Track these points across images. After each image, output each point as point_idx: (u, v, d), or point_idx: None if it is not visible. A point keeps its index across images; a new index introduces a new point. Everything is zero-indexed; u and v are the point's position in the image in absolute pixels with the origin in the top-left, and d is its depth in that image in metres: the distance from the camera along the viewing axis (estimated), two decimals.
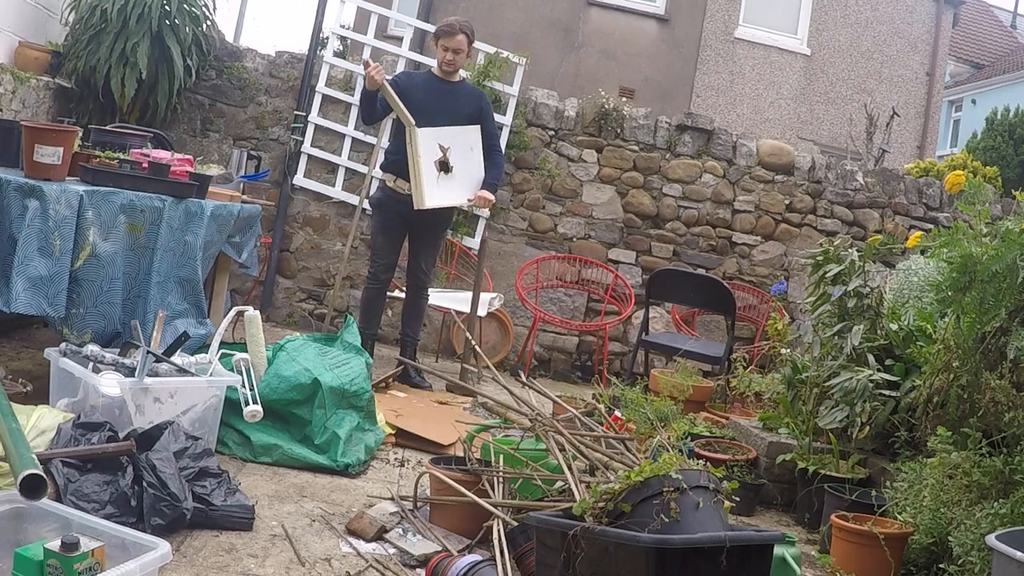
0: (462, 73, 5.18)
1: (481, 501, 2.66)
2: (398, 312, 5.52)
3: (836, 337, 3.72)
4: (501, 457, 2.94)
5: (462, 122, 4.88)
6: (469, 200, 4.91)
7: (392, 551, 2.63)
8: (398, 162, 4.80)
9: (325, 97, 6.58)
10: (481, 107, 4.97)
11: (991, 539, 2.19)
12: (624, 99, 7.53)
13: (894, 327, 3.69)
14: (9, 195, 3.11)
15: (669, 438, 3.20)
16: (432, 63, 6.57)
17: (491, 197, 4.94)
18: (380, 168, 4.95)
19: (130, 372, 2.98)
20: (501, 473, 2.83)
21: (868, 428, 3.40)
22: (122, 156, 3.72)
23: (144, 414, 2.89)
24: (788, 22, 12.94)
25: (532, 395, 3.14)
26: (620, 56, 11.91)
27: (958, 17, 14.42)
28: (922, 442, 3.19)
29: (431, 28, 7.43)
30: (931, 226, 6.60)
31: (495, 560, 2.40)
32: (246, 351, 3.42)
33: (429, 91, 4.81)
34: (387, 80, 4.64)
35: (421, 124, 4.72)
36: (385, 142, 5.12)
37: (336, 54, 7.85)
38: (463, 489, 2.73)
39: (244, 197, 4.59)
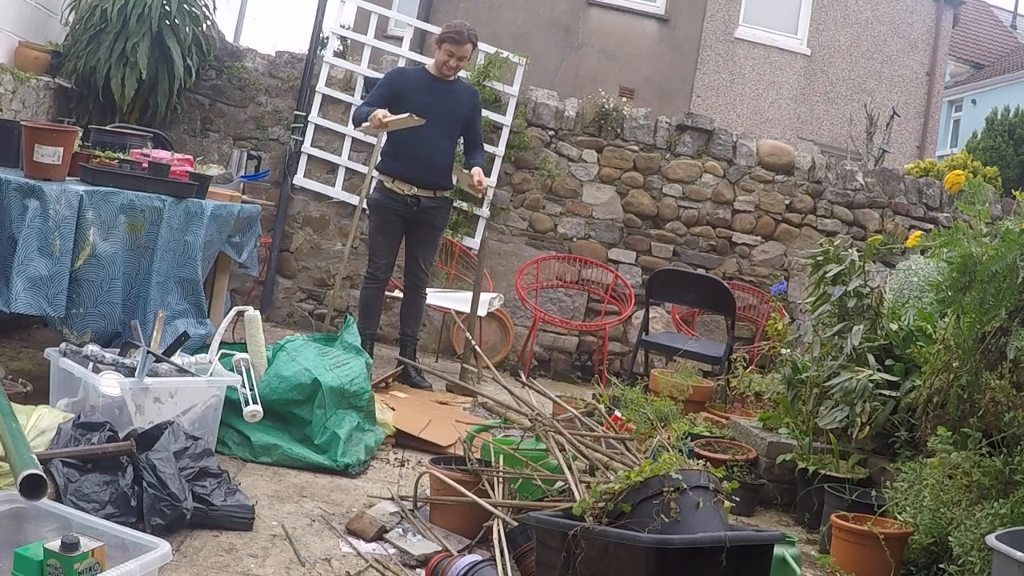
0: (461, 73, 5.18)
1: (481, 501, 2.66)
2: (397, 312, 5.52)
3: (836, 337, 3.72)
4: (501, 457, 2.94)
5: (458, 121, 4.90)
6: (470, 184, 4.80)
7: (392, 551, 2.63)
8: (395, 163, 4.80)
9: (325, 97, 6.58)
10: (475, 105, 5.00)
11: (991, 539, 2.18)
12: (624, 99, 7.53)
13: (894, 327, 3.69)
14: (9, 195, 3.11)
15: (669, 438, 3.20)
16: (431, 61, 6.60)
17: (483, 177, 4.80)
18: (377, 169, 4.94)
19: (130, 372, 2.98)
20: (501, 473, 2.83)
21: (868, 428, 3.40)
22: (122, 156, 3.72)
23: (144, 414, 2.89)
24: (788, 22, 12.94)
25: (532, 395, 3.14)
26: (620, 56, 11.91)
27: (958, 17, 14.42)
28: (922, 442, 3.19)
29: (431, 28, 7.45)
30: (931, 226, 6.60)
31: (495, 560, 2.40)
32: (246, 351, 3.42)
33: (426, 91, 4.80)
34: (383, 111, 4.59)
35: (422, 126, 4.73)
36: (383, 143, 5.11)
37: (336, 54, 7.85)
38: (463, 489, 2.73)
39: (244, 197, 4.60)
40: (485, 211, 6.48)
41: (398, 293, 5.38)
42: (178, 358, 3.18)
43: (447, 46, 4.77)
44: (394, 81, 4.84)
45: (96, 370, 2.98)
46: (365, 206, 5.24)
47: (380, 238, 4.87)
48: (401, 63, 6.61)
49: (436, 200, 4.89)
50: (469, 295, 5.50)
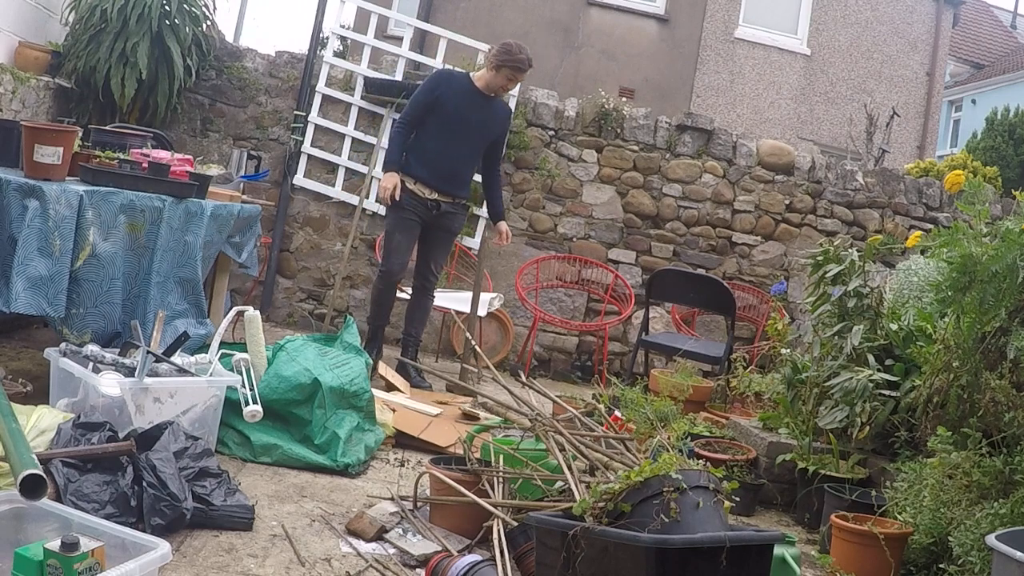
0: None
1: (481, 501, 2.66)
2: (399, 312, 5.51)
3: (836, 337, 3.72)
4: (501, 457, 2.94)
5: (489, 138, 4.95)
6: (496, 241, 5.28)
7: (392, 551, 2.63)
8: (420, 167, 4.80)
9: (325, 97, 6.58)
10: (507, 127, 5.12)
11: (991, 539, 2.18)
12: (624, 99, 7.52)
13: (894, 327, 3.69)
14: (9, 195, 3.11)
15: (669, 438, 3.20)
16: (432, 62, 6.61)
17: (508, 235, 5.24)
18: (401, 168, 4.88)
19: (130, 372, 2.98)
20: (501, 473, 2.83)
21: (868, 428, 3.40)
22: (122, 156, 3.72)
23: (144, 414, 2.89)
24: (788, 22, 12.94)
25: (532, 395, 3.14)
26: (620, 56, 11.91)
27: (958, 17, 14.42)
28: (922, 442, 3.19)
29: (431, 28, 7.47)
30: (931, 226, 6.60)
31: (495, 560, 2.40)
32: (246, 351, 3.42)
33: (468, 103, 4.81)
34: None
35: (454, 136, 4.78)
36: (385, 142, 5.10)
37: (336, 54, 7.85)
38: (463, 489, 2.73)
39: (244, 197, 4.59)
40: (486, 211, 6.47)
41: (400, 293, 5.37)
42: (178, 358, 3.18)
43: (509, 72, 4.78)
44: (439, 86, 4.82)
45: (96, 370, 2.98)
46: (367, 205, 5.24)
47: (398, 236, 4.86)
48: (401, 63, 6.62)
49: (455, 206, 4.94)
50: (469, 295, 5.50)
